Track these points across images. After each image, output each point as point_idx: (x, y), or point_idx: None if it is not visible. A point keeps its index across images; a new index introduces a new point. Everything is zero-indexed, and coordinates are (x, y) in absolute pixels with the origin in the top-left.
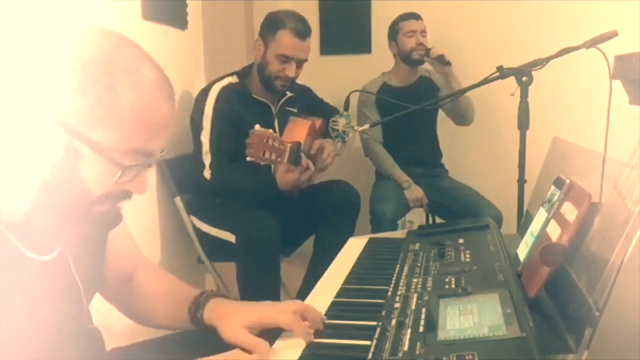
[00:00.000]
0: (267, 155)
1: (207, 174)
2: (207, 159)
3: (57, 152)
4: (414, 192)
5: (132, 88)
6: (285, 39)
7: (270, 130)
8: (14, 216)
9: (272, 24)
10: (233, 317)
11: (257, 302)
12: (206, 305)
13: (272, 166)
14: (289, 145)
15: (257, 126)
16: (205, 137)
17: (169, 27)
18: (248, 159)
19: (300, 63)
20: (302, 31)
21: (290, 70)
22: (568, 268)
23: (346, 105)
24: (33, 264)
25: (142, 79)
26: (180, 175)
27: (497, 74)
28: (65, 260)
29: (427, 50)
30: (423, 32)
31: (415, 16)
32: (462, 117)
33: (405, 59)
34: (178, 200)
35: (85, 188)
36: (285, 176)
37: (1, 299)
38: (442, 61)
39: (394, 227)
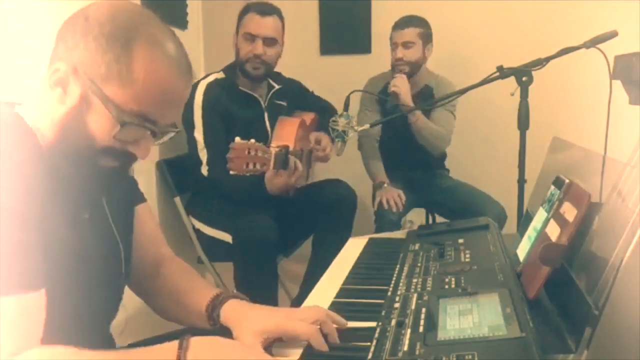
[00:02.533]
0: (250, 166)
1: (204, 170)
2: (203, 156)
3: (73, 98)
4: (387, 191)
5: (149, 57)
6: (248, 20)
7: (252, 141)
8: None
9: (240, 14)
10: (249, 324)
11: (275, 309)
12: (223, 306)
13: None
14: (274, 151)
15: (237, 139)
16: (198, 134)
17: (169, 27)
18: (231, 172)
19: (268, 42)
20: (263, 9)
21: (256, 48)
22: (568, 268)
23: (346, 106)
24: (80, 217)
25: (162, 53)
26: (180, 175)
27: (497, 74)
28: (103, 221)
29: (402, 70)
30: (409, 43)
31: (401, 25)
32: (427, 145)
33: (393, 71)
34: (178, 200)
35: (90, 137)
36: (273, 181)
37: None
38: (394, 98)
39: (397, 227)
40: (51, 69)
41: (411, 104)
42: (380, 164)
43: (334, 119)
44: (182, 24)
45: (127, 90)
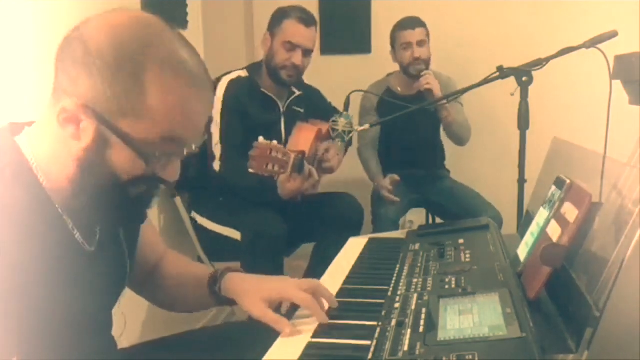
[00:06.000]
0: (269, 167)
1: (216, 165)
2: (217, 150)
3: (88, 136)
4: (381, 187)
5: (162, 82)
6: (290, 27)
7: (274, 142)
8: (64, 194)
9: (278, 16)
10: (253, 291)
11: (274, 277)
12: (224, 278)
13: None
14: (292, 156)
15: (260, 138)
16: (215, 128)
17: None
18: (250, 170)
19: (306, 52)
20: (306, 19)
21: (296, 58)
22: (568, 268)
23: (346, 106)
24: (82, 252)
25: (175, 73)
26: (180, 175)
27: (497, 74)
28: (106, 252)
29: (422, 69)
30: (421, 41)
31: (411, 24)
32: (455, 138)
33: (404, 72)
34: (178, 200)
35: (112, 173)
36: (286, 185)
37: (49, 284)
38: (427, 95)
39: (395, 227)
40: (57, 107)
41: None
42: (379, 170)
43: (334, 119)
44: (182, 24)
45: (145, 122)
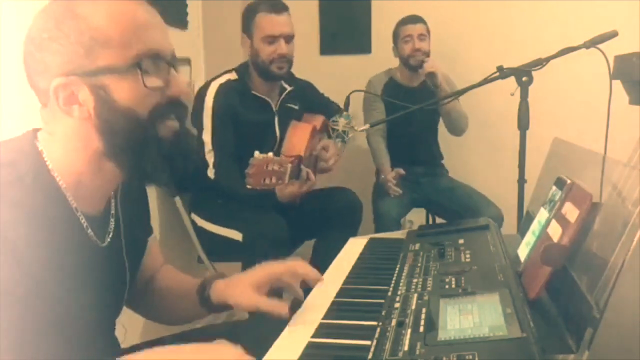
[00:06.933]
0: (267, 181)
1: (210, 173)
2: (210, 158)
3: (90, 100)
4: (385, 182)
5: (94, 4)
6: (263, 20)
7: (270, 155)
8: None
9: (248, 13)
10: (240, 285)
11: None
12: (212, 284)
13: None
14: (289, 166)
15: (256, 153)
16: (207, 136)
17: (169, 27)
18: (248, 186)
19: (288, 39)
20: (276, 6)
21: (280, 48)
22: (569, 268)
23: (346, 106)
24: (95, 249)
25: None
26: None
27: (497, 74)
28: (118, 249)
29: (423, 59)
30: (422, 35)
31: (412, 20)
32: (453, 127)
33: (405, 64)
34: (178, 200)
35: (131, 112)
36: (284, 191)
37: (63, 279)
38: (431, 79)
39: (397, 226)
40: (52, 96)
41: (445, 84)
42: (387, 159)
43: (334, 119)
44: (182, 24)
45: (111, 45)
